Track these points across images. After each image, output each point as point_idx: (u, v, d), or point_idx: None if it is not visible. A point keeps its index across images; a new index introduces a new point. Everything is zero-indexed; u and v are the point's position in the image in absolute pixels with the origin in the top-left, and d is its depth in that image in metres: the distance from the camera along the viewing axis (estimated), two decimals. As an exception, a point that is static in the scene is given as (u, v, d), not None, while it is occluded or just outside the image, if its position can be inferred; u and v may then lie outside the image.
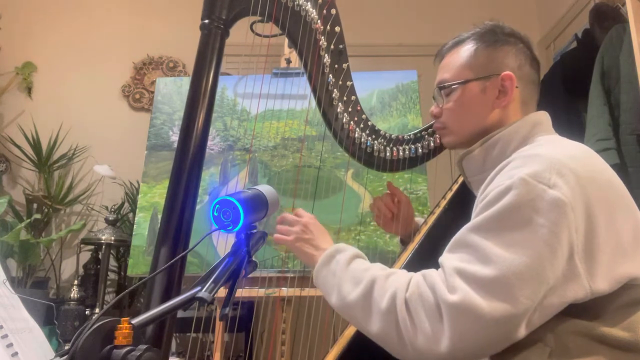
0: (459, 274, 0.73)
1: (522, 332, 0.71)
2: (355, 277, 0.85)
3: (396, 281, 0.80)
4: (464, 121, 0.97)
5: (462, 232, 0.79)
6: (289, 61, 2.19)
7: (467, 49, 0.97)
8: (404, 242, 1.27)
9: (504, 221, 0.73)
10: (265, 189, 0.90)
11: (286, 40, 2.22)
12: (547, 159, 0.76)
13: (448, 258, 0.78)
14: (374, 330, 0.79)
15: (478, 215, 0.77)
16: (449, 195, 1.23)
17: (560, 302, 0.71)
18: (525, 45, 0.98)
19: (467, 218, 0.82)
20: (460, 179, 1.22)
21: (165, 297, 0.87)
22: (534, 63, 0.98)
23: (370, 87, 2.14)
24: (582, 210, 0.72)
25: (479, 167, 0.94)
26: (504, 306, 0.69)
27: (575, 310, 0.73)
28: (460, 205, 0.81)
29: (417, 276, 0.80)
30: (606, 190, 0.77)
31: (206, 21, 1.04)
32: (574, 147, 0.84)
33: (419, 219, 1.30)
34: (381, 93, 2.13)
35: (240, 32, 1.11)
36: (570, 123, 2.17)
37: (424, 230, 1.20)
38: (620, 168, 1.80)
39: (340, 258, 0.90)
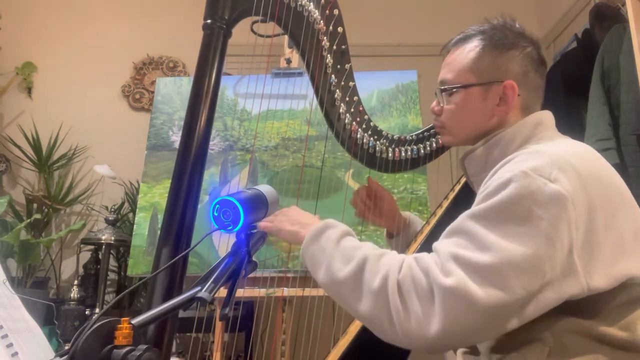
0: (455, 259, 0.72)
1: (513, 323, 0.71)
2: (346, 254, 0.83)
3: (388, 262, 0.79)
4: (463, 124, 0.96)
5: (460, 219, 0.78)
6: (289, 61, 2.19)
7: (472, 49, 0.95)
8: (391, 236, 1.29)
9: (503, 212, 0.73)
10: (265, 189, 0.90)
11: (286, 40, 2.22)
12: (549, 155, 0.77)
13: (443, 243, 0.77)
14: (364, 310, 0.78)
15: (478, 205, 0.77)
16: (451, 195, 1.23)
17: (556, 297, 0.71)
18: (533, 47, 0.95)
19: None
20: (463, 180, 1.22)
21: (167, 297, 0.87)
22: (541, 67, 0.95)
23: (370, 87, 2.14)
24: (583, 207, 0.72)
25: (480, 166, 0.94)
26: (497, 294, 0.69)
27: (574, 309, 0.73)
28: (462, 206, 0.81)
29: (409, 259, 0.79)
30: (608, 189, 0.78)
31: (209, 21, 1.04)
32: (577, 146, 0.84)
33: (407, 213, 1.31)
34: (381, 93, 2.13)
35: (240, 32, 1.11)
36: (570, 123, 2.17)
37: (426, 230, 1.20)
38: (620, 168, 1.80)
39: (331, 234, 0.88)
